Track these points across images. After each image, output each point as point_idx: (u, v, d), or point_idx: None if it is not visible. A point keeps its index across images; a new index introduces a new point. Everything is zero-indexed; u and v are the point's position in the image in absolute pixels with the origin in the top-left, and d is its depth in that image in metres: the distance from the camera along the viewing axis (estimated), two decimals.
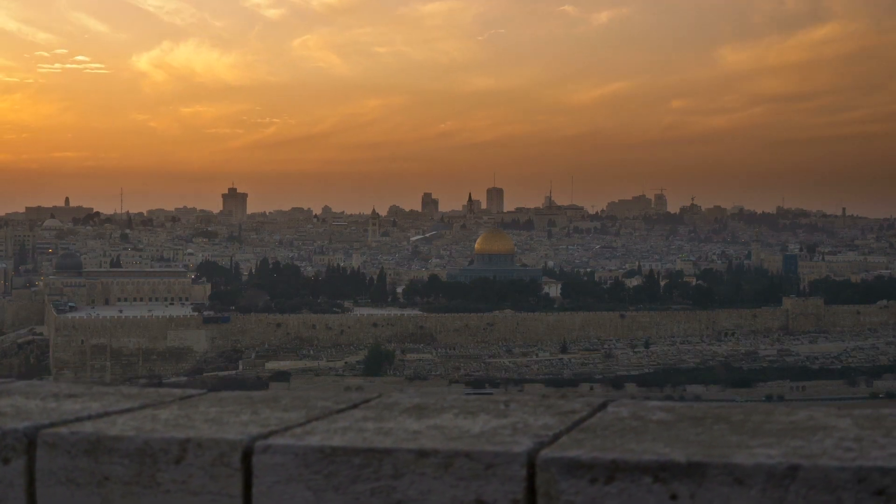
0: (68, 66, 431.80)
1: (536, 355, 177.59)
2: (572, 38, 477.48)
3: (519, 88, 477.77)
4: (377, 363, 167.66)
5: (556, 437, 2.58)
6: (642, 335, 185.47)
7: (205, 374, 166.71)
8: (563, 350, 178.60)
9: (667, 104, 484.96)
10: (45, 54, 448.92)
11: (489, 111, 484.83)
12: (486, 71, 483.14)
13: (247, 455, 2.58)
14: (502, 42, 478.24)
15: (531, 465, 2.42)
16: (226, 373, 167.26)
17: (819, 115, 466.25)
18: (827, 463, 2.30)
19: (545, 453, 2.43)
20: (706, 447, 2.44)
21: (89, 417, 2.88)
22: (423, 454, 2.48)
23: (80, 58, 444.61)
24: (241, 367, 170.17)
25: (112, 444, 2.67)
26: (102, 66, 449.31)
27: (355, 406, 3.00)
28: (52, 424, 2.79)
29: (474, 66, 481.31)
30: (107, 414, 2.92)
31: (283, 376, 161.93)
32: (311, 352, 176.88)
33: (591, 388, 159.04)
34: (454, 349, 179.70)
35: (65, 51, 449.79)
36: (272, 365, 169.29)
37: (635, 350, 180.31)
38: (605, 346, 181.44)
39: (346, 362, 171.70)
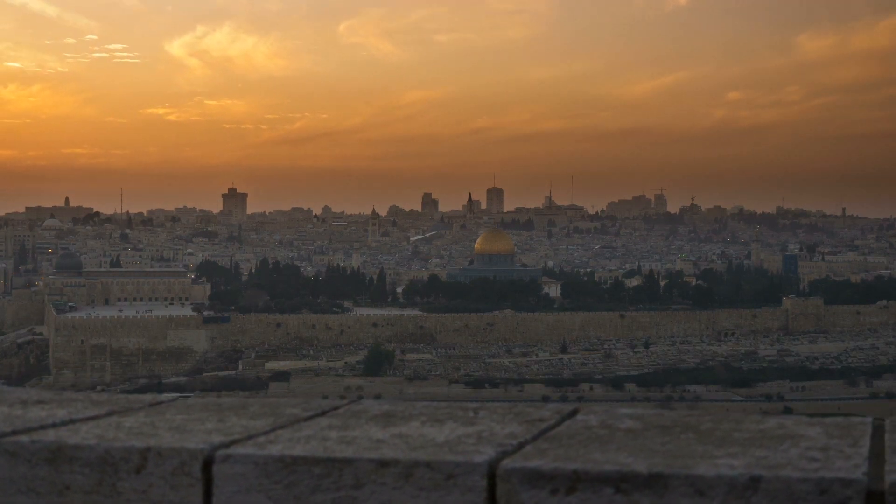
0: (96, 54, 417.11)
1: (536, 355, 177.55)
2: (644, 22, 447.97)
3: (573, 80, 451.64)
4: (377, 363, 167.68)
5: (521, 446, 2.55)
6: (642, 335, 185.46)
7: (205, 374, 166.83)
8: (563, 350, 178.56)
9: (723, 96, 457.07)
10: (73, 41, 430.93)
11: (532, 105, 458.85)
12: (546, 60, 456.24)
13: (207, 464, 2.55)
14: (573, 27, 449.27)
15: (492, 476, 2.40)
16: (226, 373, 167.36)
17: (884, 108, 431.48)
18: (789, 474, 2.28)
19: (506, 463, 2.41)
20: (670, 457, 2.42)
21: (53, 425, 2.84)
22: (383, 464, 2.45)
23: (112, 46, 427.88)
24: (240, 367, 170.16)
25: (73, 453, 2.63)
26: (133, 54, 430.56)
27: (323, 413, 2.96)
28: (14, 432, 2.75)
29: (536, 54, 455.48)
30: (72, 421, 2.88)
31: (283, 376, 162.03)
32: (311, 352, 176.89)
33: (591, 388, 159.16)
34: (454, 349, 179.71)
35: (94, 37, 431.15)
36: (272, 365, 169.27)
37: (635, 350, 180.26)
38: (605, 346, 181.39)
39: (345, 362, 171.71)
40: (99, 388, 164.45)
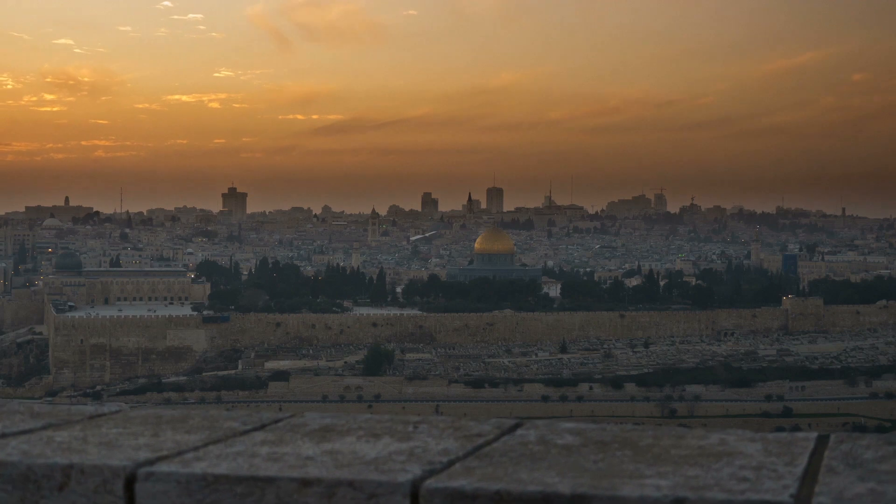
0: (158, 33, 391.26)
1: (536, 355, 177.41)
2: None
3: (689, 57, 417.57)
4: (377, 363, 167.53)
5: (450, 464, 2.51)
6: (642, 335, 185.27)
7: (204, 374, 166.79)
8: (563, 350, 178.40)
9: (847, 77, 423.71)
10: (141, 12, 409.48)
11: (630, 89, 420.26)
12: (669, 36, 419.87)
13: (130, 482, 2.53)
14: None
15: (415, 496, 2.36)
16: (225, 372, 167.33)
17: None
18: (714, 496, 2.24)
19: (430, 483, 2.38)
20: (598, 477, 2.37)
21: None
22: (306, 483, 2.43)
23: (179, 17, 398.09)
24: (240, 366, 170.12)
25: None
26: (206, 27, 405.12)
27: (263, 427, 2.94)
28: None
29: (665, 28, 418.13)
30: (3, 436, 2.86)
31: (282, 376, 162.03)
32: (311, 351, 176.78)
33: (591, 389, 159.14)
34: (454, 349, 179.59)
35: (169, 4, 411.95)
36: (271, 364, 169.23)
37: (635, 350, 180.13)
38: (605, 345, 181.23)
39: (345, 362, 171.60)
40: (98, 387, 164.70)
